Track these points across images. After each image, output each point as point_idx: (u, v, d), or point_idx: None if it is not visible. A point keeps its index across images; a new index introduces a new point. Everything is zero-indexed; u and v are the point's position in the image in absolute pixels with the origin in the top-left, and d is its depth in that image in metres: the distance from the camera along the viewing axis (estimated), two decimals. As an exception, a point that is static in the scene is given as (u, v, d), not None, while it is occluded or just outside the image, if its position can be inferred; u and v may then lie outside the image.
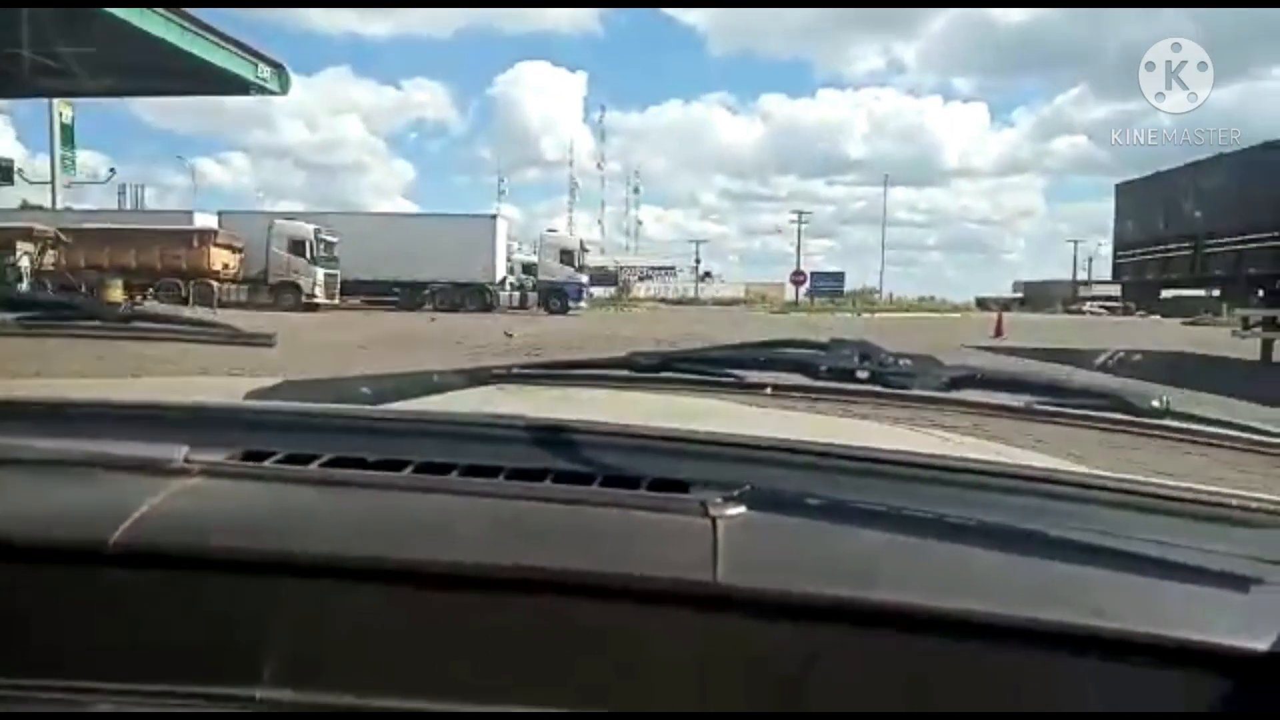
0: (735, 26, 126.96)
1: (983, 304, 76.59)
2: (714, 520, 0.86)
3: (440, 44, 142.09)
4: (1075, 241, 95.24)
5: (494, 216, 43.47)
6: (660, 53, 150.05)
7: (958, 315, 56.82)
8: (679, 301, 78.36)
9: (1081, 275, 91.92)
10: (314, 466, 0.95)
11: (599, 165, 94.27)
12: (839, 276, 72.54)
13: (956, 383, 1.08)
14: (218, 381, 1.77)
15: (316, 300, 36.73)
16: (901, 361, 1.11)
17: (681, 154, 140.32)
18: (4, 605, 0.80)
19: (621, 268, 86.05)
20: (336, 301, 38.27)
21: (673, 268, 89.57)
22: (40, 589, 0.81)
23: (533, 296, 42.55)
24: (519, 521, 0.87)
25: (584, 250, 44.55)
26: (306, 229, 39.00)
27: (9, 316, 1.36)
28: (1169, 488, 0.95)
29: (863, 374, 1.10)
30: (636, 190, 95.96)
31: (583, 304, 43.10)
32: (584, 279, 43.54)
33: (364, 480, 0.93)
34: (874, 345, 1.14)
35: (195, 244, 37.27)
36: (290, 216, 40.82)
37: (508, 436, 1.03)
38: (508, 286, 43.25)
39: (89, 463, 0.92)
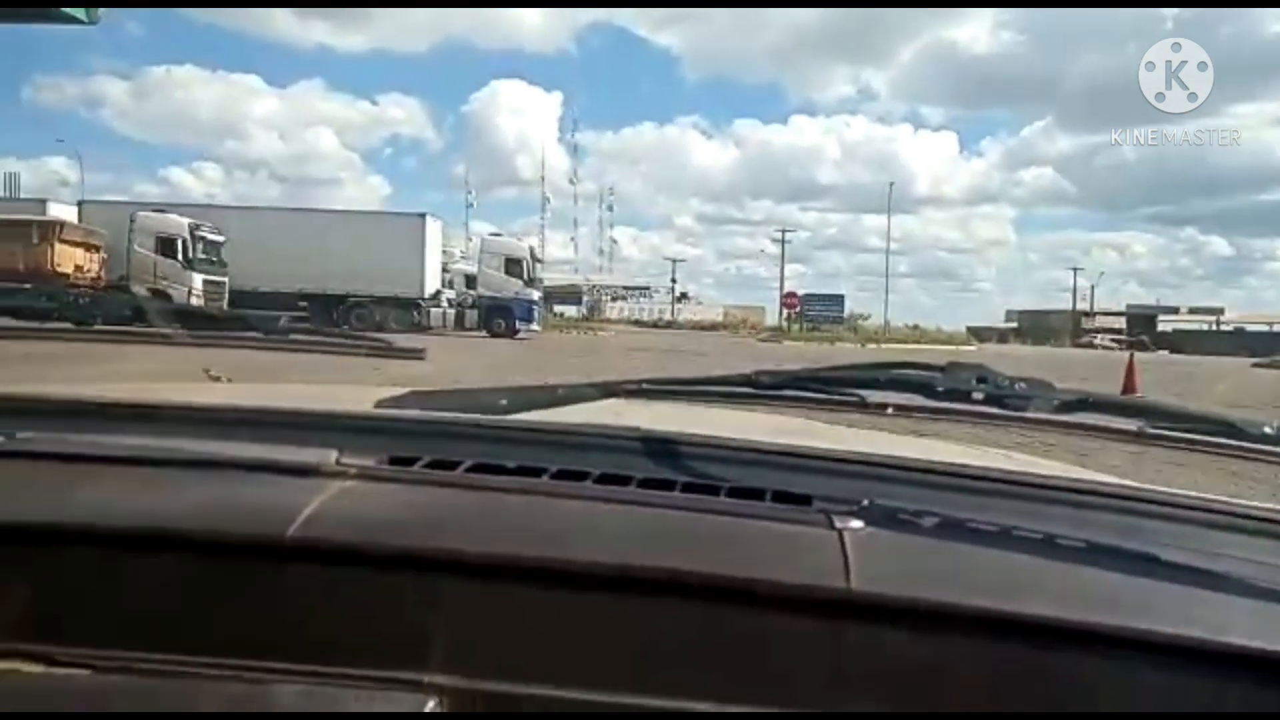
0: (709, 50, 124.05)
1: (976, 334, 68.19)
2: (840, 532, 0.88)
3: (415, 59, 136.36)
4: (1075, 269, 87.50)
5: (422, 216, 34.14)
6: (634, 75, 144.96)
7: (972, 348, 48.07)
8: (654, 324, 70.17)
9: (1078, 304, 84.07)
10: (459, 471, 0.98)
11: (571, 182, 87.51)
12: (837, 300, 62.00)
13: (1070, 406, 1.09)
14: (345, 390, 1.60)
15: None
16: (1018, 385, 1.11)
17: (657, 176, 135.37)
18: (190, 591, 0.84)
19: (594, 286, 78.35)
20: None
21: (648, 288, 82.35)
22: (221, 578, 0.85)
23: (474, 315, 33.40)
24: (655, 527, 0.90)
25: (536, 260, 35.20)
26: (179, 224, 30.03)
27: (178, 328, 1.39)
28: (1266, 509, 0.97)
29: (979, 395, 1.11)
30: (610, 208, 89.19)
31: (534, 325, 33.92)
32: (535, 295, 34.31)
33: (507, 485, 0.96)
34: (990, 368, 1.15)
35: (35, 239, 28.03)
36: (162, 209, 31.55)
37: (636, 448, 1.05)
38: (444, 302, 34.15)
39: (251, 465, 0.97)
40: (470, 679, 0.80)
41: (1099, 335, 73.33)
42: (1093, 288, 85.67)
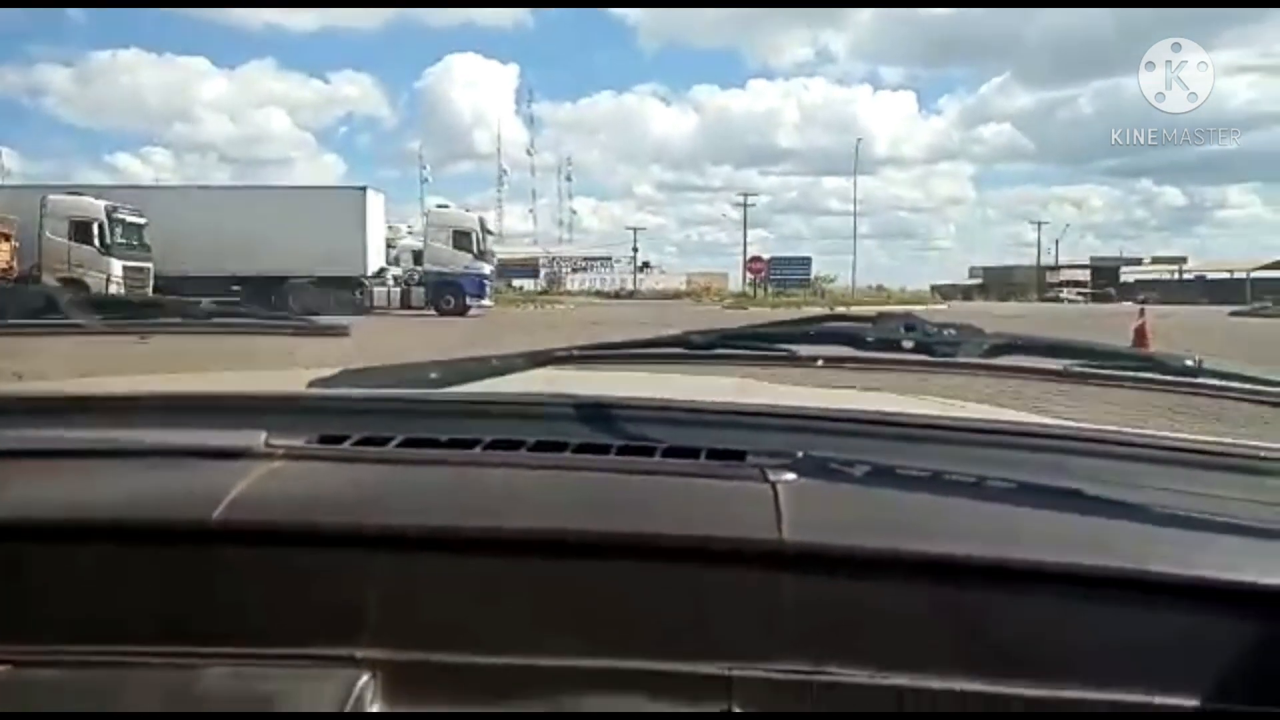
0: (665, 17, 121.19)
1: (941, 292, 66.92)
2: (773, 485, 0.89)
3: (368, 35, 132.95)
4: (1039, 223, 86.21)
5: (362, 189, 31.72)
6: (591, 44, 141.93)
7: (942, 306, 46.66)
8: (615, 295, 68.10)
9: (1041, 259, 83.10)
10: (390, 447, 0.97)
11: (528, 153, 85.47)
12: (804, 263, 59.92)
13: (999, 349, 1.11)
14: (276, 374, 1.66)
15: (112, 303, 25.21)
16: (946, 331, 1.12)
17: (616, 146, 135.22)
18: (114, 580, 0.83)
19: (554, 258, 76.11)
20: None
21: (609, 258, 79.91)
22: (146, 565, 0.84)
23: (421, 293, 31.20)
24: (589, 491, 0.90)
25: (487, 232, 32.78)
26: (94, 206, 27.46)
27: (95, 318, 1.34)
28: (1191, 441, 1.00)
29: (908, 344, 1.11)
30: (569, 178, 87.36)
31: (486, 301, 31.74)
32: (486, 269, 31.86)
33: (439, 458, 0.95)
34: (918, 317, 1.16)
35: (-72, 228, 25.59)
36: (77, 190, 28.98)
37: (570, 415, 1.05)
38: (389, 280, 31.94)
39: (178, 451, 0.95)
40: (404, 651, 0.79)
41: (1065, 288, 72.60)
42: (1056, 241, 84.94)
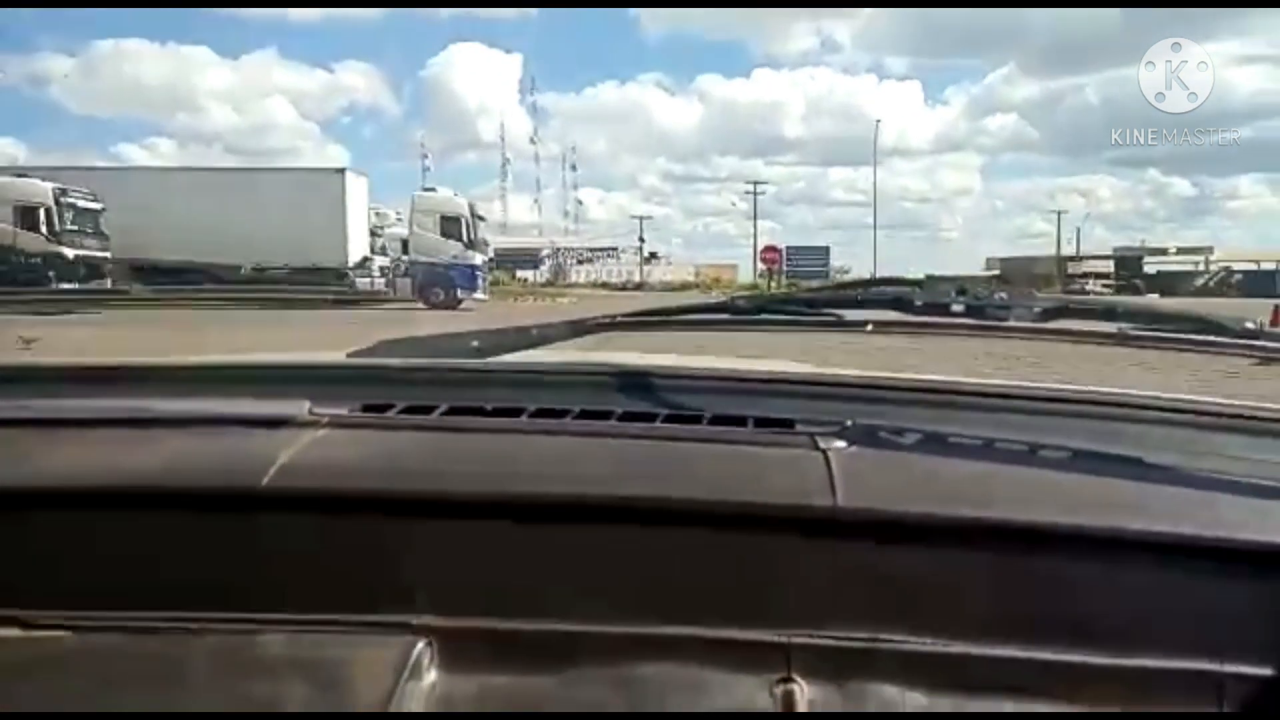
0: (667, 5, 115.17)
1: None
2: (824, 452, 0.88)
3: (371, 24, 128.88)
4: (1058, 212, 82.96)
5: (341, 170, 28.97)
6: (595, 34, 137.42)
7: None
8: (622, 287, 65.25)
9: (1060, 250, 79.90)
10: (435, 415, 0.97)
11: (532, 141, 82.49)
12: (823, 252, 57.38)
13: (1051, 313, 1.07)
14: (315, 346, 1.63)
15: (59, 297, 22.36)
16: (997, 295, 1.08)
17: (621, 136, 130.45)
18: (168, 547, 0.84)
19: (559, 249, 73.31)
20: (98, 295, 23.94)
21: (615, 248, 77.12)
22: (198, 531, 0.84)
23: (406, 284, 28.29)
24: (637, 458, 0.89)
25: (478, 218, 29.83)
26: (40, 190, 24.65)
27: (140, 285, 1.33)
28: (1255, 408, 0.98)
29: (958, 308, 1.08)
30: (574, 168, 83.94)
31: (478, 294, 28.80)
32: (477, 259, 29.02)
33: (485, 426, 0.95)
34: (970, 280, 1.12)
35: None
36: (24, 172, 26.09)
37: (614, 383, 1.04)
38: (375, 271, 29.06)
39: (225, 420, 0.95)
40: (458, 618, 0.79)
41: (1090, 280, 69.31)
42: (1078, 230, 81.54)
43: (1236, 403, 0.99)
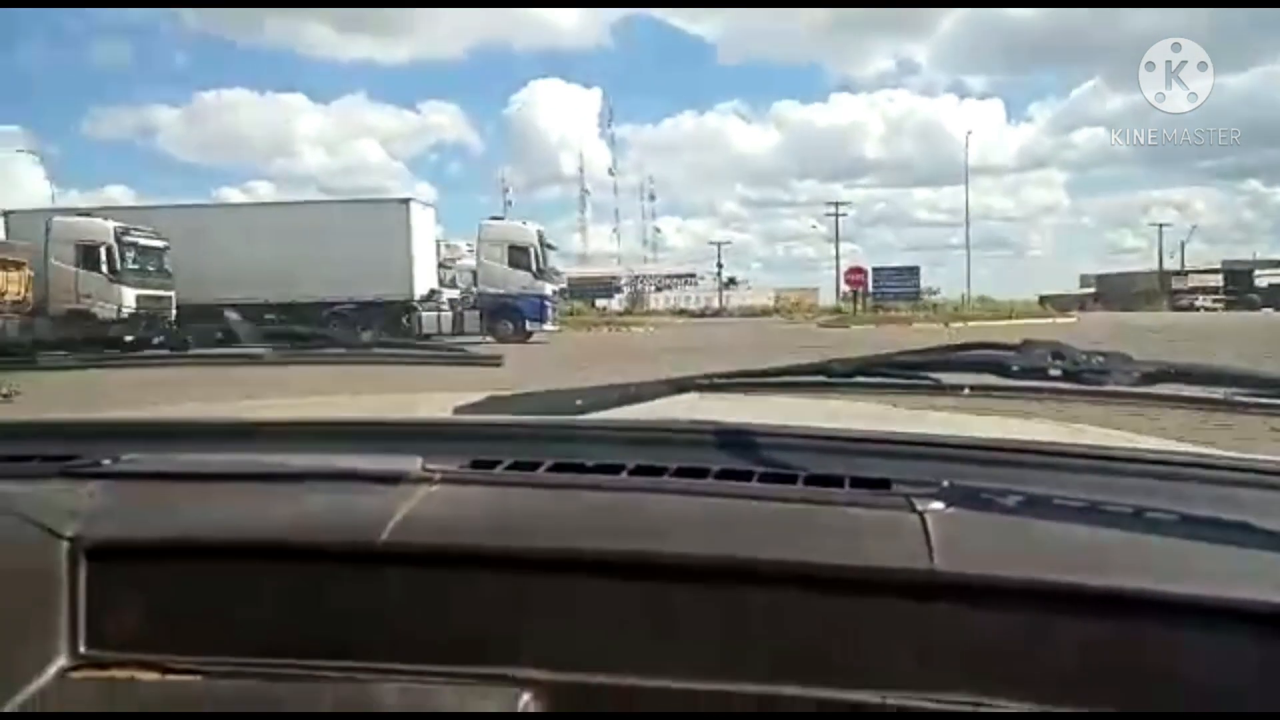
0: (743, 34, 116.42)
1: (1051, 303, 60.25)
2: (921, 515, 0.86)
3: (455, 65, 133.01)
4: (1161, 225, 78.31)
5: (405, 201, 27.79)
6: (671, 65, 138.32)
7: (1071, 319, 40.54)
8: (701, 313, 63.50)
9: (1162, 264, 75.26)
10: (540, 472, 0.98)
11: (611, 173, 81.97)
12: (912, 273, 52.73)
13: (1151, 377, 1.06)
14: (422, 400, 1.69)
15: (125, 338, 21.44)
16: (1095, 359, 1.08)
17: (698, 164, 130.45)
18: (291, 598, 0.86)
19: (637, 277, 72.08)
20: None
21: (693, 275, 75.47)
22: (320, 584, 0.86)
23: (474, 318, 26.96)
24: (735, 517, 0.89)
25: (547, 246, 28.44)
26: (102, 228, 24.24)
27: (267, 348, 1.40)
28: None
29: (1055, 372, 1.07)
30: (652, 197, 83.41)
31: (548, 325, 27.35)
32: (548, 289, 27.55)
33: (586, 483, 0.96)
34: (1066, 344, 1.10)
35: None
36: (86, 212, 25.63)
37: (711, 441, 1.05)
38: (444, 304, 27.87)
39: (341, 475, 0.97)
40: (561, 672, 0.80)
41: (1199, 295, 64.98)
42: (1183, 244, 76.66)
43: None
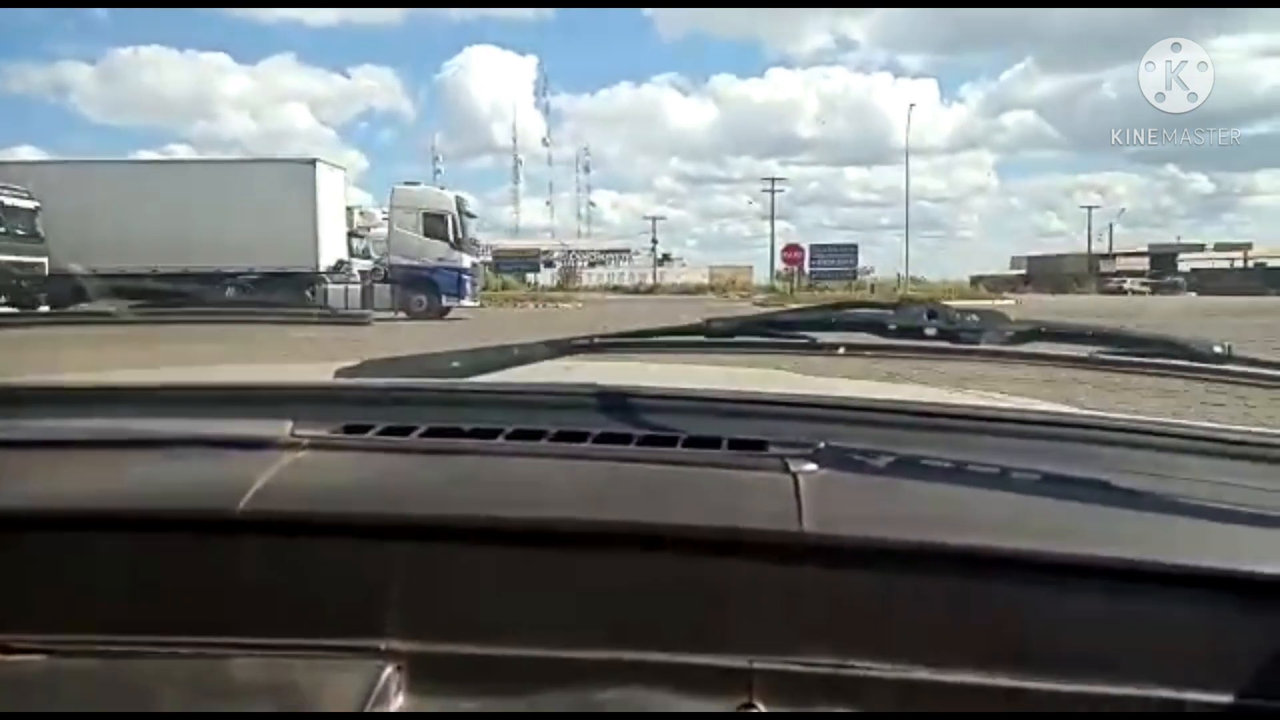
0: (681, 6, 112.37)
1: (984, 284, 59.79)
2: (794, 476, 0.87)
3: (386, 29, 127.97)
4: (1090, 208, 78.59)
5: (311, 162, 25.28)
6: (609, 35, 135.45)
7: (1009, 302, 39.70)
8: (634, 290, 61.91)
9: (1088, 247, 75.66)
10: (413, 437, 0.96)
11: (545, 143, 79.77)
12: (850, 251, 51.36)
13: (1023, 336, 1.07)
14: (300, 365, 1.69)
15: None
16: (969, 318, 1.09)
17: (635, 137, 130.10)
18: (144, 571, 0.83)
19: (569, 252, 70.04)
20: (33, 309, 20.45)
21: (627, 250, 73.77)
22: (175, 555, 0.84)
23: (385, 292, 24.72)
24: (610, 481, 0.89)
25: (467, 215, 26.21)
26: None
27: (125, 304, 1.34)
28: (1221, 430, 0.96)
29: (931, 331, 1.08)
30: (587, 170, 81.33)
31: (467, 300, 25.26)
32: (466, 261, 25.29)
33: (462, 448, 0.94)
34: (941, 304, 1.12)
35: None
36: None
37: (592, 404, 1.04)
38: (355, 275, 25.59)
39: (205, 441, 0.94)
40: (428, 643, 0.78)
41: (1126, 279, 65.24)
42: (1111, 227, 77.20)
43: (1207, 425, 0.98)
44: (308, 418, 0.98)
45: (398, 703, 0.76)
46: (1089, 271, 69.81)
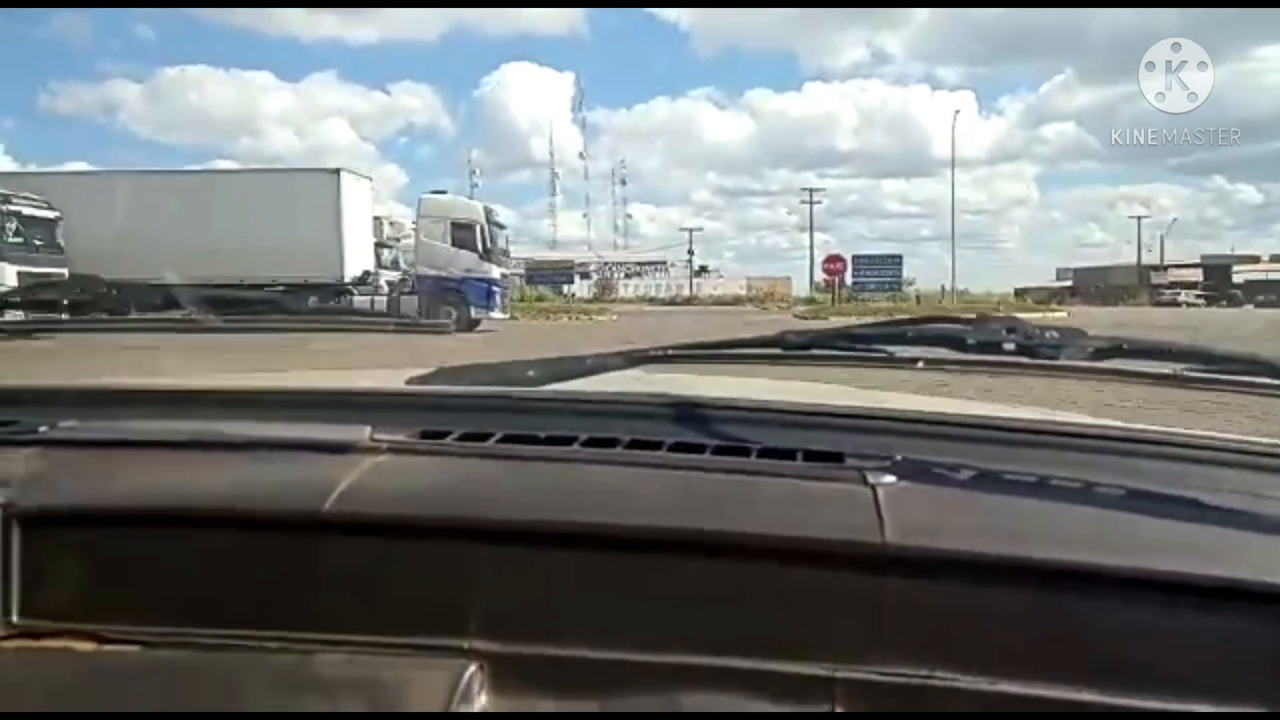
0: (718, 21, 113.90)
1: (1030, 296, 57.83)
2: (873, 487, 0.86)
3: (426, 46, 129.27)
4: (1139, 217, 76.10)
5: (335, 171, 24.46)
6: (645, 51, 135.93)
7: (1062, 314, 38.06)
8: (671, 301, 60.75)
9: (1123, 258, 73.21)
10: (490, 443, 0.97)
11: (581, 156, 79.24)
12: (894, 262, 49.36)
13: (1105, 352, 1.05)
14: (373, 372, 1.63)
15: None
16: (1049, 333, 1.07)
17: (672, 152, 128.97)
18: (232, 567, 0.85)
19: (606, 264, 69.23)
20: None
21: (663, 262, 72.65)
22: (262, 553, 0.85)
23: (413, 303, 23.73)
24: (687, 489, 0.88)
25: (496, 225, 25.27)
26: (-25, 195, 20.72)
27: (210, 314, 1.34)
28: None
29: (1009, 346, 1.07)
30: (623, 183, 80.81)
31: (496, 312, 24.30)
32: (496, 272, 24.34)
33: (538, 454, 0.95)
34: (1020, 319, 1.10)
35: None
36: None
37: (665, 414, 1.03)
38: (383, 286, 24.74)
39: (288, 444, 0.96)
40: (510, 644, 0.79)
41: (1180, 291, 62.95)
42: (1161, 238, 74.51)
43: None
44: (385, 423, 0.98)
45: (480, 702, 0.76)
46: (1140, 283, 67.52)
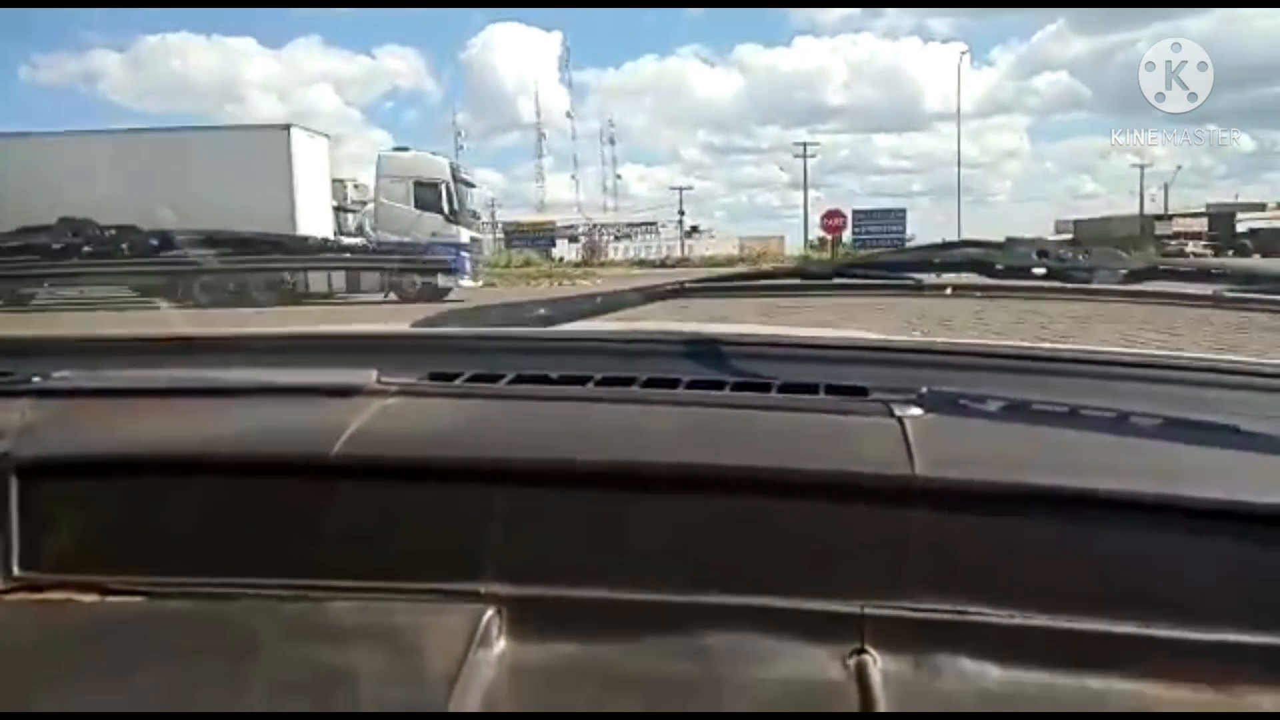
0: None
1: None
2: (900, 420, 0.85)
3: (409, 9, 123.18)
4: (1141, 166, 73.73)
5: (286, 127, 22.21)
6: (630, 7, 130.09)
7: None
8: (662, 264, 58.58)
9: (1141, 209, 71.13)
10: (501, 384, 0.95)
11: (568, 116, 76.52)
12: (898, 217, 47.79)
13: (1139, 274, 1.01)
14: (381, 317, 2.05)
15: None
16: (1080, 256, 1.03)
17: (660, 110, 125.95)
18: (240, 514, 0.83)
19: (594, 225, 67.00)
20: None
21: (654, 223, 70.36)
22: (270, 499, 0.84)
23: (373, 273, 21.69)
24: (706, 426, 0.86)
25: (464, 183, 23.21)
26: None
27: (210, 252, 1.30)
28: None
29: (1040, 270, 1.03)
30: (612, 142, 77.79)
31: (465, 280, 22.22)
32: (464, 235, 22.33)
33: (551, 394, 0.93)
34: (1051, 241, 1.03)
35: None
36: None
37: (681, 351, 1.01)
38: (346, 254, 22.57)
39: (296, 389, 0.95)
40: (527, 586, 0.77)
41: (1187, 241, 60.90)
42: (1166, 187, 72.20)
43: None
44: (392, 366, 0.96)
45: (499, 646, 0.75)
46: (1143, 234, 65.44)
